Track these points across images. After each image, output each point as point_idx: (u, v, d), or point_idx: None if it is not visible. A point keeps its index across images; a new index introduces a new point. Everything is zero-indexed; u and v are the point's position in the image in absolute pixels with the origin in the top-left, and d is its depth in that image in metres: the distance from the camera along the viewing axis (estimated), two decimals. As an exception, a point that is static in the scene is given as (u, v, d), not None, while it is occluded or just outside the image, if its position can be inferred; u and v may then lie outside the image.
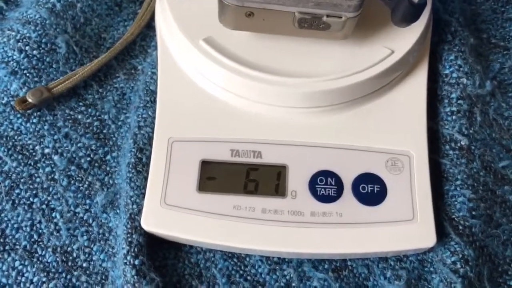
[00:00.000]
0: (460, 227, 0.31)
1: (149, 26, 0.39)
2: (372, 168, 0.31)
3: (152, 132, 0.33)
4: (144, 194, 0.31)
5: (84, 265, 0.31)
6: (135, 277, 0.29)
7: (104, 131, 0.35)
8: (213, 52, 0.32)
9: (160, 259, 0.31)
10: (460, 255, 0.30)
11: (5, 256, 0.31)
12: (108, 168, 0.34)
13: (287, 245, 0.30)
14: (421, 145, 0.32)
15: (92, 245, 0.31)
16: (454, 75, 0.35)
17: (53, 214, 0.32)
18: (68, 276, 0.30)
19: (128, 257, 0.29)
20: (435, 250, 0.31)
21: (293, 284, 0.31)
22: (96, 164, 0.34)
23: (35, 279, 0.30)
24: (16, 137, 0.34)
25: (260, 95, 0.32)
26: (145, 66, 0.37)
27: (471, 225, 0.31)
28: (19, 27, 0.36)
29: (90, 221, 0.32)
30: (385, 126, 0.33)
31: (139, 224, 0.30)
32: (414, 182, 0.31)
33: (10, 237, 0.31)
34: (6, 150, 0.33)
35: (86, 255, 0.31)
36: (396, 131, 0.33)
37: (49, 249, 0.31)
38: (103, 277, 0.31)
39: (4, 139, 0.34)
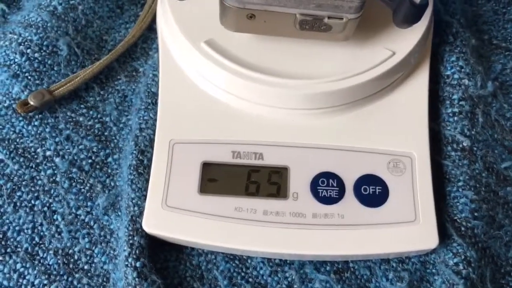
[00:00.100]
0: (463, 229, 0.31)
1: (151, 28, 0.39)
2: (374, 169, 0.31)
3: (154, 134, 0.33)
4: (145, 196, 0.31)
5: (86, 267, 0.31)
6: (137, 279, 0.28)
7: (106, 133, 0.35)
8: (214, 54, 0.32)
9: (162, 261, 0.31)
10: (463, 257, 0.30)
11: (7, 258, 0.31)
12: (109, 170, 0.34)
13: (289, 247, 0.30)
14: (423, 146, 0.32)
15: (93, 247, 0.31)
16: (456, 76, 0.35)
17: (55, 217, 0.32)
18: (70, 279, 0.30)
19: (130, 259, 0.29)
20: (437, 251, 0.31)
21: (295, 286, 0.31)
22: (98, 166, 0.34)
23: (36, 282, 0.30)
24: (17, 140, 0.34)
25: (262, 97, 0.32)
26: (147, 68, 0.37)
27: (474, 226, 0.31)
28: (21, 30, 0.36)
29: (92, 223, 0.32)
30: (386, 128, 0.33)
31: (141, 226, 0.30)
32: (416, 183, 0.31)
33: (12, 239, 0.31)
34: (8, 152, 0.33)
35: (88, 257, 0.31)
36: (398, 132, 0.32)
37: (51, 252, 0.31)
38: (105, 279, 0.31)
39: (6, 141, 0.34)
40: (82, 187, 0.33)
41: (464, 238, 0.30)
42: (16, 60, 0.35)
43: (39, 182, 0.33)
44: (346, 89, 0.32)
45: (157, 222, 0.30)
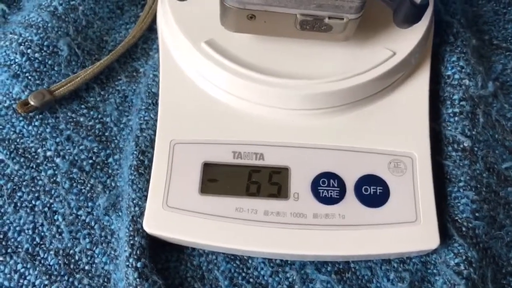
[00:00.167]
0: (464, 229, 0.31)
1: (151, 29, 0.39)
2: (374, 169, 0.31)
3: (154, 135, 0.33)
4: (146, 196, 0.31)
5: (86, 267, 0.31)
6: (137, 279, 0.28)
7: (106, 134, 0.35)
8: (215, 55, 0.32)
9: (163, 261, 0.31)
10: (464, 257, 0.30)
11: (7, 259, 0.31)
12: (110, 171, 0.34)
13: (290, 247, 0.30)
14: (424, 146, 0.32)
15: (94, 248, 0.31)
16: (456, 76, 0.35)
17: (55, 217, 0.32)
18: (70, 279, 0.30)
19: (130, 260, 0.29)
20: (438, 252, 0.31)
21: (296, 287, 0.31)
22: (98, 167, 0.34)
23: (37, 282, 0.30)
24: (18, 140, 0.34)
25: (262, 97, 0.32)
26: (147, 69, 0.37)
27: (475, 226, 0.31)
28: (21, 30, 0.36)
29: (92, 223, 0.32)
30: (387, 128, 0.33)
31: (141, 227, 0.30)
32: (417, 183, 0.31)
33: (12, 240, 0.31)
34: (8, 153, 0.33)
35: (88, 258, 0.31)
36: (399, 132, 0.32)
37: (51, 252, 0.31)
38: (105, 279, 0.31)
39: (6, 142, 0.34)
40: (82, 187, 0.33)
41: (465, 239, 0.30)
42: (16, 60, 0.35)
43: (40, 182, 0.33)
44: (347, 89, 0.32)
45: (157, 223, 0.30)
